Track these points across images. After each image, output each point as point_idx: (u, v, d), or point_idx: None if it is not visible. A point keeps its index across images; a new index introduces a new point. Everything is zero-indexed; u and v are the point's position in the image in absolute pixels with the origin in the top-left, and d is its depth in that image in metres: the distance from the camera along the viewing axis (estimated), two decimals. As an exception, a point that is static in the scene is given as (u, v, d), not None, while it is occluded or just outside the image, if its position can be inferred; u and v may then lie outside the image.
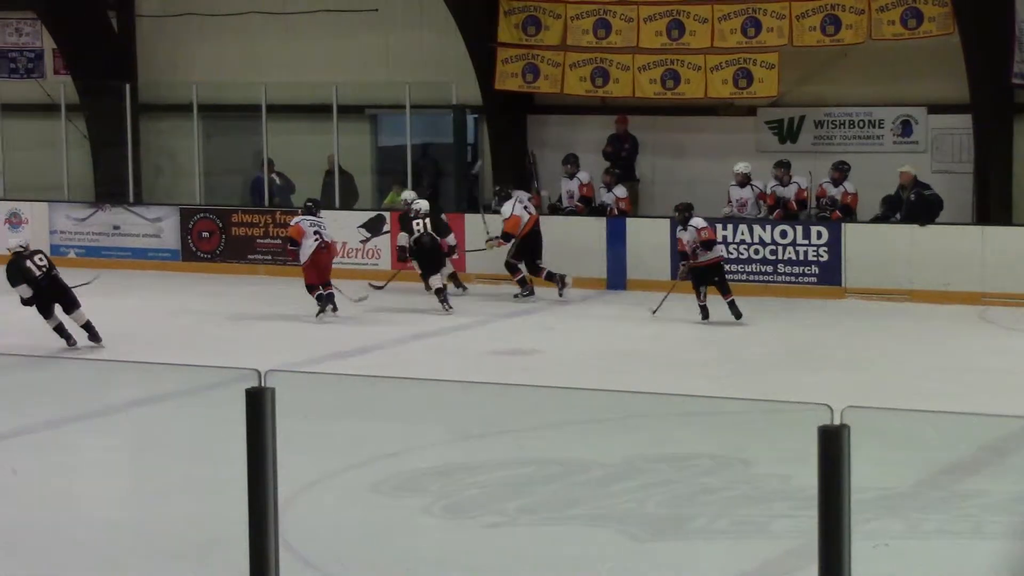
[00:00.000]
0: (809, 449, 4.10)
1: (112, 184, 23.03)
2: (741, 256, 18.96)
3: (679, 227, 17.45)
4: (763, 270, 19.01)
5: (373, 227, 20.44)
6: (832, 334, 16.60)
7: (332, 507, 9.38)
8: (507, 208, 19.05)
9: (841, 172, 19.16)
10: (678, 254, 17.54)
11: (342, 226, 20.09)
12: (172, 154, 23.76)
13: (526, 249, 19.01)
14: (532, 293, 18.93)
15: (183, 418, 11.76)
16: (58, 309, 15.63)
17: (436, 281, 18.23)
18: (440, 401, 10.31)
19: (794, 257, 18.87)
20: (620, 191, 20.09)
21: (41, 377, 13.17)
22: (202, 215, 21.99)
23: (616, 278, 19.56)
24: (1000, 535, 8.90)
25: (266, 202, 21.97)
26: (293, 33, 22.98)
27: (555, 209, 20.54)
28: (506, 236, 18.93)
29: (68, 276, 16.14)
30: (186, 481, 9.88)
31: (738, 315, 16.85)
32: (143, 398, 12.47)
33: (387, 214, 20.59)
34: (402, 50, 22.39)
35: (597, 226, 19.73)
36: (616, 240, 19.60)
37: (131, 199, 22.60)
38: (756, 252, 18.99)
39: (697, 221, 17.22)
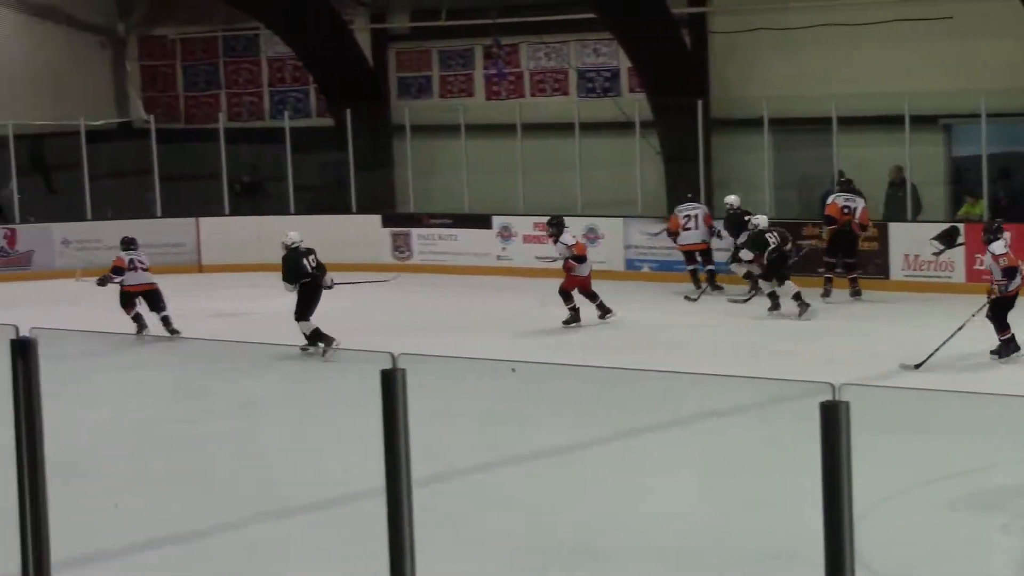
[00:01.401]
0: None
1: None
2: None
3: None
4: None
5: (947, 239, 19.90)
6: None
7: (905, 523, 9.19)
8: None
9: None
10: None
11: (915, 239, 19.77)
12: (740, 168, 23.89)
13: None
14: None
15: (751, 430, 11.81)
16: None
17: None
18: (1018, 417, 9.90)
19: None
20: None
21: (613, 389, 13.59)
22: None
23: None
24: None
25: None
26: (864, 44, 22.68)
27: None
28: None
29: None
30: (757, 493, 9.91)
31: None
32: (711, 410, 12.61)
33: (961, 226, 19.99)
34: (977, 58, 21.70)
35: None
36: None
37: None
38: None
39: None
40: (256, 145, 27.29)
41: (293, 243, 17.09)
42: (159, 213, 26.09)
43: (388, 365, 4.78)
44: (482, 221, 24.22)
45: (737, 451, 11.33)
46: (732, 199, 21.01)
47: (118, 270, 18.57)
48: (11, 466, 5.21)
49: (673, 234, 21.58)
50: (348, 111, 25.54)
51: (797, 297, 18.79)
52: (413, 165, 25.82)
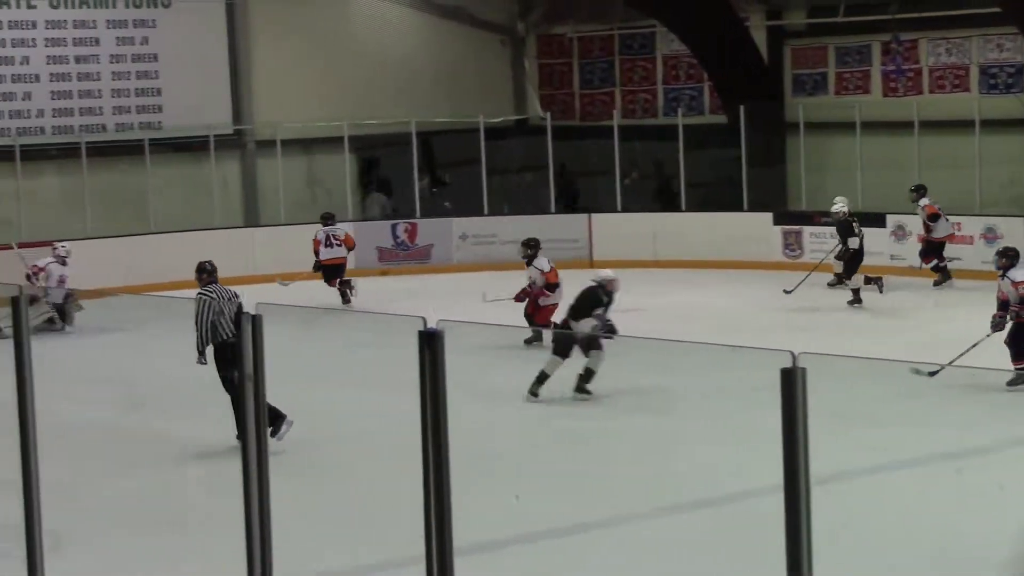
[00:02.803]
0: None
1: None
2: None
3: None
4: None
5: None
6: None
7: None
8: None
9: None
10: None
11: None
12: None
13: None
14: None
15: None
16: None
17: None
18: None
19: None
20: None
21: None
22: None
23: None
24: None
25: None
26: None
27: None
28: None
29: None
30: None
31: None
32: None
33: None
34: None
35: None
36: None
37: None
38: None
39: None
40: (649, 142, 27.49)
41: None
42: (553, 209, 26.57)
43: (788, 364, 4.74)
44: (876, 220, 23.74)
45: None
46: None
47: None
48: (417, 454, 5.37)
49: None
50: (742, 108, 25.43)
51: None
52: (806, 162, 25.54)
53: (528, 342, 17.53)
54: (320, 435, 12.98)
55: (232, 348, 12.85)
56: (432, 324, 5.35)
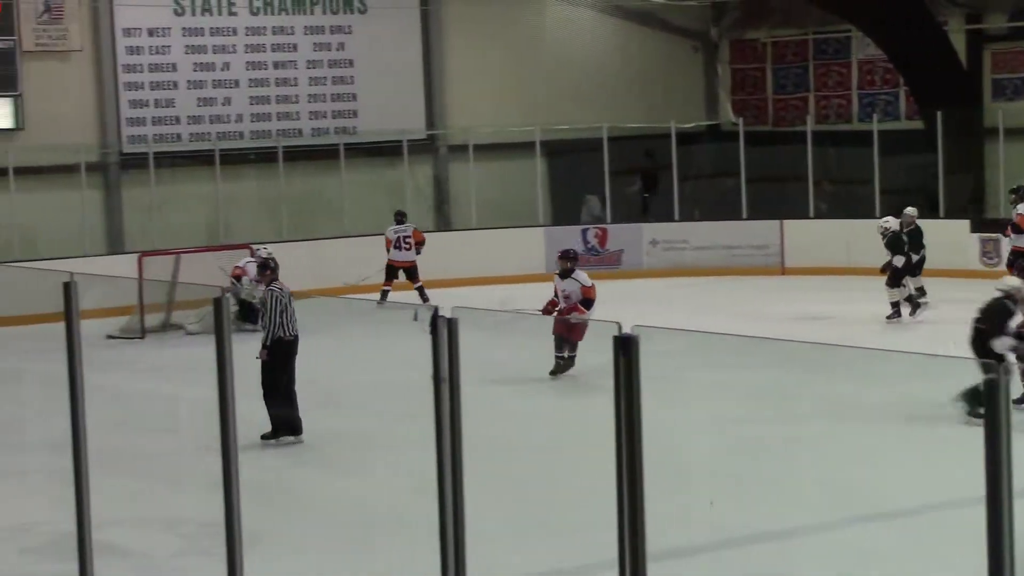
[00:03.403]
0: None
1: None
2: None
3: None
4: None
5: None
6: None
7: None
8: None
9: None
10: None
11: None
12: None
13: None
14: None
15: None
16: None
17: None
18: None
19: None
20: None
21: None
22: None
23: None
24: None
25: None
26: None
27: None
28: None
29: None
30: None
31: None
32: None
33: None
34: None
35: None
36: None
37: None
38: None
39: None
40: (842, 148, 27.15)
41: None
42: (744, 215, 26.37)
43: (994, 375, 4.65)
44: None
45: None
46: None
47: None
48: (610, 458, 5.37)
49: None
50: (939, 113, 24.96)
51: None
52: (1005, 169, 24.97)
53: (555, 373, 16.08)
54: (516, 438, 13.05)
55: (289, 345, 13.16)
56: (627, 329, 5.34)
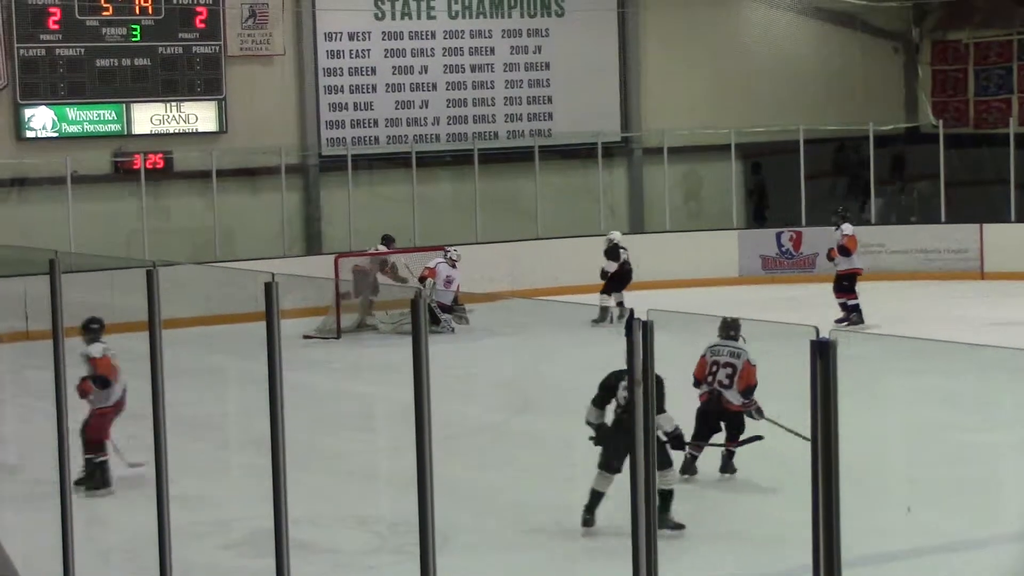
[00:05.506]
0: None
1: None
2: None
3: None
4: None
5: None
6: None
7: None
8: None
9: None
10: None
11: None
12: None
13: None
14: None
15: None
16: None
17: None
18: None
19: None
20: None
21: None
22: None
23: None
24: None
25: None
26: None
27: None
28: None
29: None
30: None
31: None
32: None
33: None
34: None
35: None
36: None
37: None
38: None
39: None
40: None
41: None
42: (943, 219, 25.86)
43: None
44: None
45: None
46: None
47: None
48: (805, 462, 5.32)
49: None
50: None
51: None
52: None
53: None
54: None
55: None
56: (824, 334, 5.29)
